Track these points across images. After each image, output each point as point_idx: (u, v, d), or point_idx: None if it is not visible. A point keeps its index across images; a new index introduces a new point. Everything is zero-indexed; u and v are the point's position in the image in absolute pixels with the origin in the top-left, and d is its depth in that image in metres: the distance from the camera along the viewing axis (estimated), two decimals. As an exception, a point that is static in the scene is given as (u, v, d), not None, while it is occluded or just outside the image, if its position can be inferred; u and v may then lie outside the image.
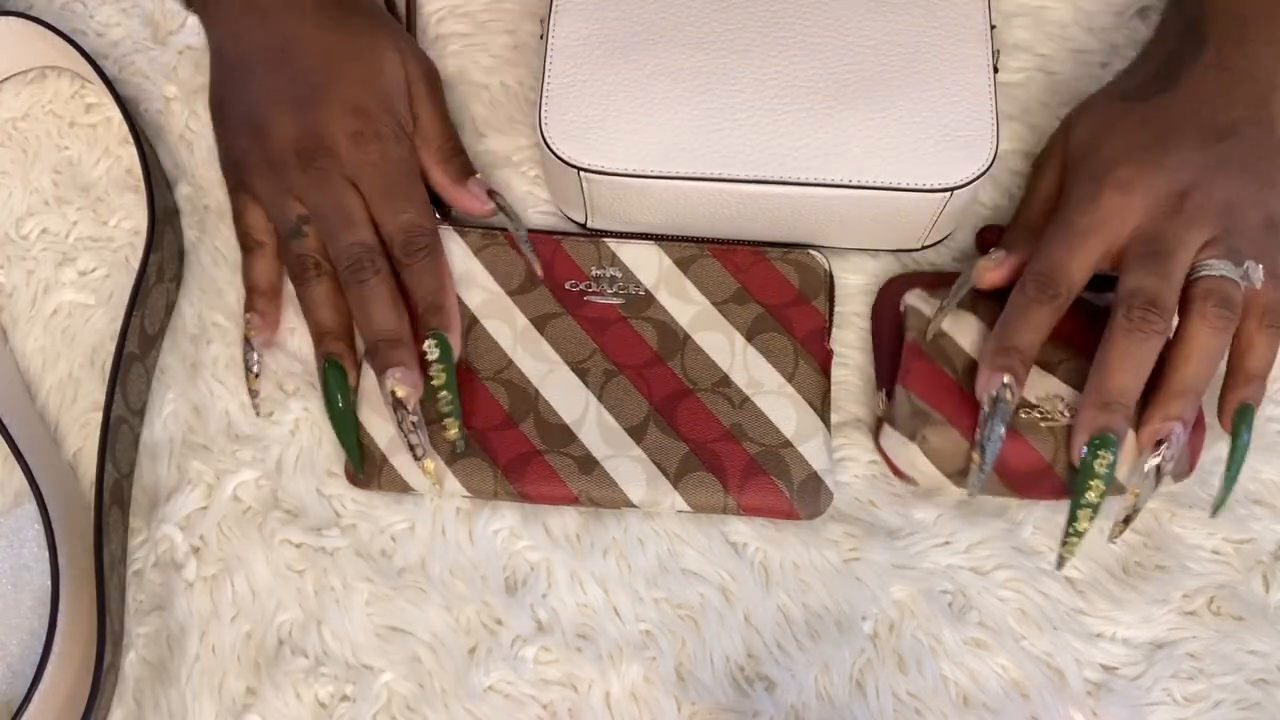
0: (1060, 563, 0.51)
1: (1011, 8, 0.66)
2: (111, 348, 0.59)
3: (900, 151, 0.55)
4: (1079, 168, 0.54)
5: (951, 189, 0.54)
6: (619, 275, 0.58)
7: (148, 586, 0.55)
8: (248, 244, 0.57)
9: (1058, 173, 0.57)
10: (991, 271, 0.54)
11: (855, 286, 0.60)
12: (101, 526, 0.52)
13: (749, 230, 0.59)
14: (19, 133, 0.64)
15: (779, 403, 0.55)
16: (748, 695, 0.53)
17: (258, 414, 0.57)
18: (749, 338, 0.57)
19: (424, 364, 0.53)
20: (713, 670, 0.54)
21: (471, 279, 0.58)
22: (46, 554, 0.54)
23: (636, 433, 0.55)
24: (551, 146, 0.55)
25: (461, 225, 0.59)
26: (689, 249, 0.59)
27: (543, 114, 0.56)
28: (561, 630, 0.54)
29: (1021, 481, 0.52)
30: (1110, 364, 0.49)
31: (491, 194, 0.58)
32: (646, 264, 0.58)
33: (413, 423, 0.52)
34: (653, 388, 0.56)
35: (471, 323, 0.57)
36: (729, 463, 0.54)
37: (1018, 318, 0.51)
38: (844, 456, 0.57)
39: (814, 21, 0.57)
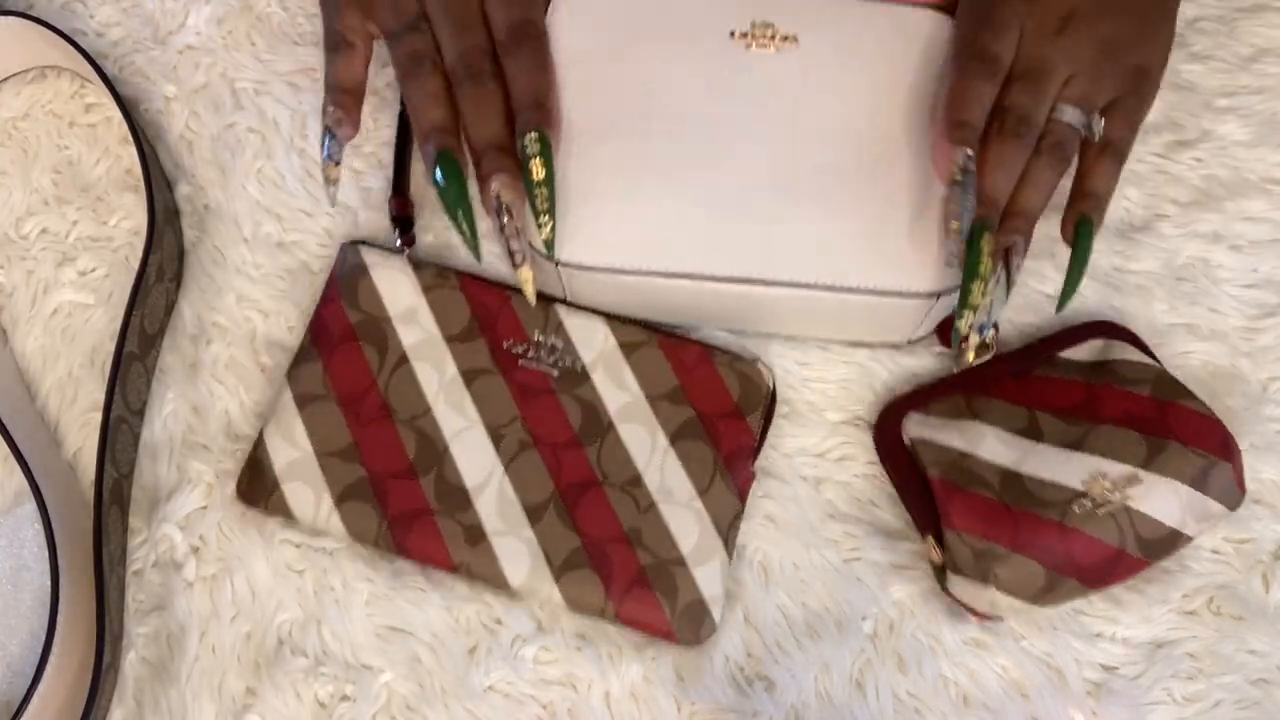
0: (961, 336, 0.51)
1: (1011, 7, 0.66)
2: (111, 348, 0.59)
3: (887, 254, 0.53)
4: None
5: (939, 294, 0.53)
6: (560, 345, 0.56)
7: (148, 586, 0.55)
8: (338, 44, 0.56)
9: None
10: None
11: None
12: (101, 526, 0.52)
13: (727, 321, 0.57)
14: (19, 133, 0.64)
15: (685, 516, 0.53)
16: (748, 695, 0.53)
17: (333, 204, 0.56)
18: (672, 440, 0.54)
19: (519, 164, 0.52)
20: (713, 670, 0.54)
21: (413, 316, 0.56)
22: (46, 554, 0.54)
23: (534, 513, 0.53)
24: (529, 240, 0.54)
25: (416, 262, 0.58)
26: (637, 334, 0.56)
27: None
28: (561, 630, 0.54)
29: (1098, 576, 0.51)
30: (986, 165, 0.51)
31: None
32: (591, 339, 0.56)
33: (517, 228, 0.52)
34: (563, 470, 0.54)
35: (400, 360, 0.56)
36: (618, 568, 0.52)
37: (973, 95, 0.52)
38: (843, 456, 0.57)
39: (801, 108, 0.55)
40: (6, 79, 0.65)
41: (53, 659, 0.49)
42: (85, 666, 0.51)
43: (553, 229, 0.52)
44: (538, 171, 0.52)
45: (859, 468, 0.57)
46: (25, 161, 0.63)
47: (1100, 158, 0.54)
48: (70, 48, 0.61)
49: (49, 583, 0.52)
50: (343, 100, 0.56)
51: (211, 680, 0.53)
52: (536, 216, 0.52)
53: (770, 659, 0.54)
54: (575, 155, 0.54)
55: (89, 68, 0.61)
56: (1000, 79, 0.52)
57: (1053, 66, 0.52)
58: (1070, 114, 0.53)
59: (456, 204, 0.52)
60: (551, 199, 0.52)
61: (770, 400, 0.56)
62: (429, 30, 0.54)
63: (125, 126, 0.61)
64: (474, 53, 0.53)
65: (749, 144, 0.54)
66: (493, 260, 0.60)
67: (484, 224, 0.59)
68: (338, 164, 0.55)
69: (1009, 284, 0.51)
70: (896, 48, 0.57)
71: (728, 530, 0.54)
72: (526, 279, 0.53)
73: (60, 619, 0.50)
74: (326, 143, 0.55)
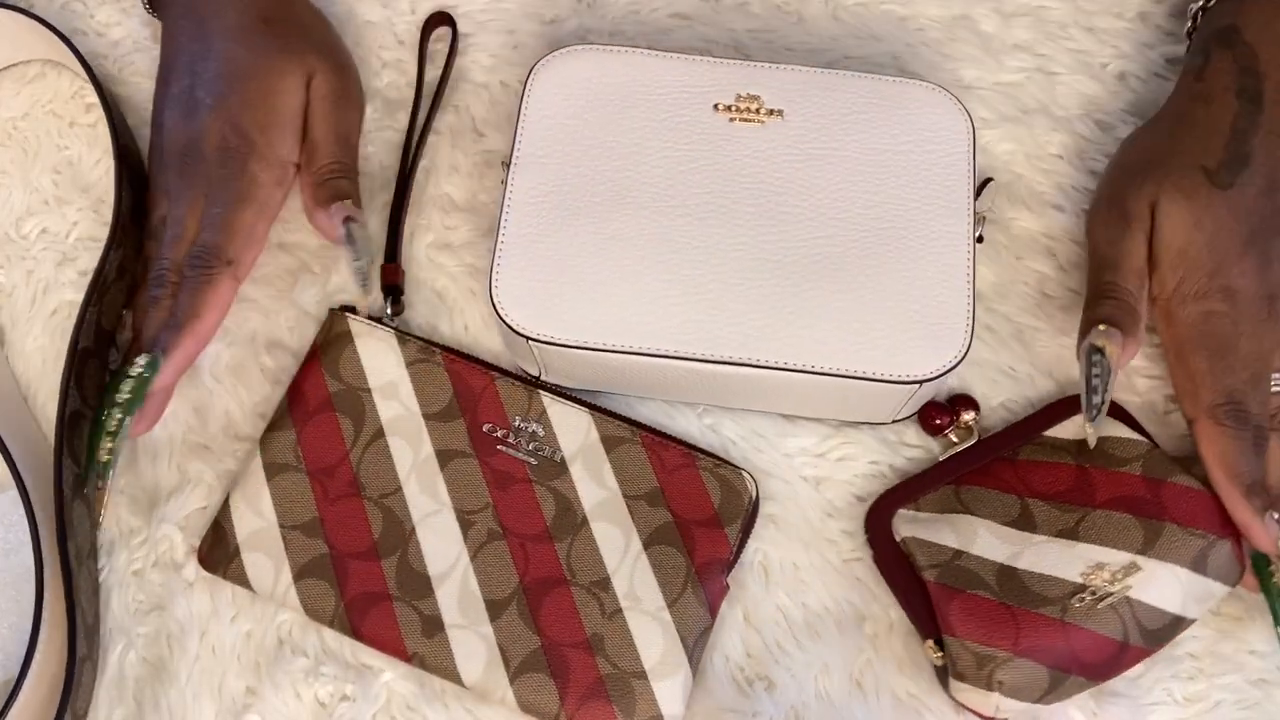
0: None
1: (1011, 8, 0.66)
2: (111, 348, 0.59)
3: (868, 338, 0.52)
4: (1180, 279, 0.53)
5: (920, 382, 0.52)
6: (541, 433, 0.55)
7: (148, 586, 0.55)
8: (149, 230, 0.58)
9: (1145, 248, 0.55)
10: (1122, 354, 0.52)
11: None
12: (64, 521, 0.51)
13: (704, 397, 0.57)
14: (19, 132, 0.64)
15: (650, 627, 0.51)
16: (748, 695, 0.53)
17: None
18: (646, 544, 0.53)
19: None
20: (713, 670, 0.54)
21: (394, 390, 0.56)
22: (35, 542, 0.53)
23: (495, 608, 0.52)
24: (501, 313, 0.53)
25: (403, 334, 0.57)
26: (621, 429, 0.55)
27: (494, 276, 0.53)
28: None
29: (1102, 670, 0.51)
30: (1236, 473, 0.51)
31: (347, 220, 0.56)
32: (573, 430, 0.55)
33: (109, 448, 0.52)
34: (530, 565, 0.52)
35: (375, 435, 0.55)
36: (575, 675, 0.51)
37: (1243, 453, 0.51)
38: (843, 456, 0.57)
39: (785, 189, 0.55)
40: (4, 69, 0.65)
41: (39, 648, 0.49)
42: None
43: (110, 451, 0.52)
44: (122, 392, 0.52)
45: (859, 467, 0.57)
46: (25, 161, 0.63)
47: None
48: (57, 40, 0.61)
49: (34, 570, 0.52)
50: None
51: (211, 680, 0.53)
52: (104, 434, 0.52)
53: (770, 659, 0.54)
54: (556, 225, 0.54)
55: (74, 59, 0.61)
56: (1248, 413, 0.52)
57: (1267, 353, 0.52)
58: None
59: (101, 420, 0.52)
60: (122, 422, 0.52)
61: (752, 511, 0.54)
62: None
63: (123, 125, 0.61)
64: (163, 263, 0.55)
65: (731, 223, 0.54)
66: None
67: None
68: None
69: None
70: (887, 122, 0.56)
71: (694, 645, 0.51)
72: (99, 501, 0.52)
73: (45, 610, 0.50)
74: (112, 350, 0.56)
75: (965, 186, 0.55)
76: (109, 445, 0.52)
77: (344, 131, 0.59)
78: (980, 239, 0.55)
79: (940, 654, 0.51)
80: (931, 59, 0.65)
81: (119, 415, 0.52)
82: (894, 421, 0.57)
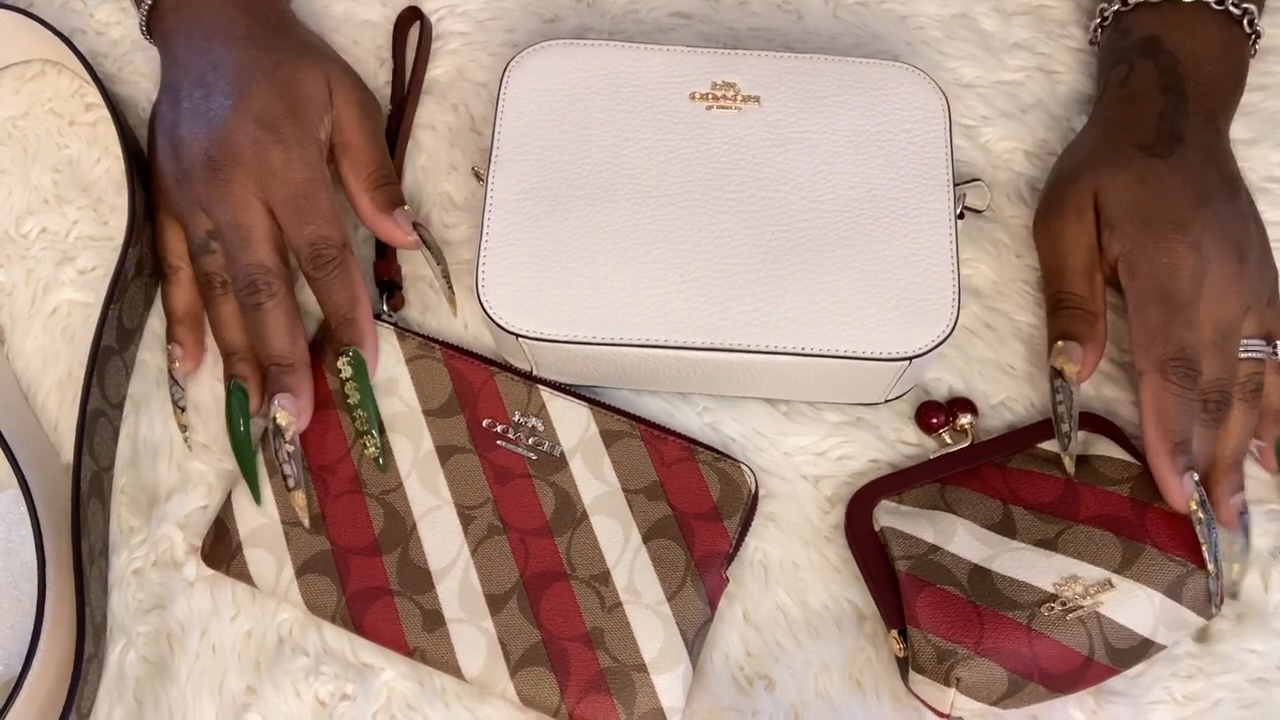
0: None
1: (1012, 6, 0.66)
2: (111, 347, 0.59)
3: (855, 317, 0.52)
4: (1138, 232, 0.53)
5: (909, 358, 0.52)
6: (540, 428, 0.55)
7: (148, 586, 0.55)
8: (164, 269, 0.57)
9: (1091, 237, 0.54)
10: (1082, 371, 0.53)
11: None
12: (80, 518, 0.52)
13: (696, 387, 0.57)
14: (19, 131, 0.64)
15: (650, 620, 0.51)
16: (748, 694, 0.53)
17: (190, 449, 0.57)
18: (646, 538, 0.53)
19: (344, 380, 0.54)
20: (713, 669, 0.54)
21: (393, 387, 0.55)
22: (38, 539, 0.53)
23: (496, 602, 0.52)
24: (489, 312, 0.53)
25: (403, 330, 0.57)
26: (620, 423, 0.55)
27: (480, 275, 0.53)
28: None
29: (1064, 682, 0.50)
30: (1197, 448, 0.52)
31: (416, 226, 0.56)
32: (572, 425, 0.55)
33: (288, 452, 0.52)
34: (530, 559, 0.53)
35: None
36: (576, 668, 0.51)
37: (1178, 410, 0.50)
38: (843, 455, 0.57)
39: (765, 174, 0.55)
40: (4, 69, 0.65)
41: (41, 648, 0.49)
42: (71, 655, 0.51)
43: (377, 447, 0.53)
44: (352, 395, 0.53)
45: (859, 466, 0.57)
46: (25, 160, 0.63)
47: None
48: (57, 40, 0.61)
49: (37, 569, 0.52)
50: (176, 331, 0.57)
51: (212, 679, 0.53)
52: (358, 436, 0.54)
53: (770, 657, 0.54)
54: (539, 220, 0.54)
55: (74, 59, 0.61)
56: (1198, 372, 0.51)
57: (1237, 315, 0.52)
58: (1258, 349, 0.53)
59: (239, 440, 0.53)
60: (371, 419, 0.53)
61: (751, 504, 0.54)
62: (219, 250, 0.55)
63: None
64: (251, 270, 0.53)
65: (714, 210, 0.54)
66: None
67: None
68: (184, 409, 0.56)
69: (1248, 533, 0.53)
70: (863, 103, 0.56)
71: (694, 638, 0.52)
72: (300, 505, 0.53)
73: (47, 609, 0.50)
74: (170, 386, 0.56)
75: (944, 164, 0.56)
76: (375, 440, 0.53)
77: (377, 137, 0.58)
78: (961, 215, 0.55)
79: (903, 645, 0.52)
80: (931, 57, 0.65)
81: (362, 414, 0.53)
82: (886, 401, 0.57)
